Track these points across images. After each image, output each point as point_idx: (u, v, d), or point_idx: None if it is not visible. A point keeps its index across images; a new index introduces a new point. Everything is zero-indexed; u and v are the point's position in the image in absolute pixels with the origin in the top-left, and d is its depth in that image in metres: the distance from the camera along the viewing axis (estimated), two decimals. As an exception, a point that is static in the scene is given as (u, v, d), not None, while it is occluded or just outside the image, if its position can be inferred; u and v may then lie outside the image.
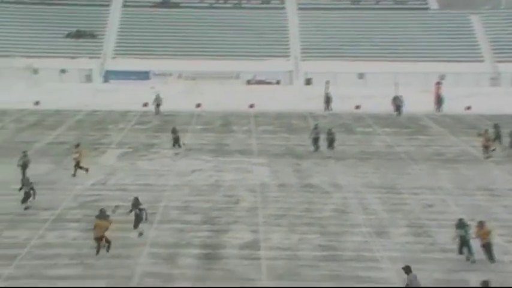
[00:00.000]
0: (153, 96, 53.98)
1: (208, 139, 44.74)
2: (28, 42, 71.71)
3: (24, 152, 34.34)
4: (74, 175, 34.49)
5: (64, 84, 63.93)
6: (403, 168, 37.52)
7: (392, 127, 49.51)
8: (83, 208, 29.75)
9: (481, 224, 24.37)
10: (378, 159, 39.68)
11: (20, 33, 72.86)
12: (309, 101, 58.50)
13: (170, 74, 69.92)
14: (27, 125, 48.48)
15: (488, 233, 24.15)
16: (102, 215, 24.87)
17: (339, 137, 41.84)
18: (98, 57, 71.99)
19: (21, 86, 61.70)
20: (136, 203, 26.76)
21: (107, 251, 24.47)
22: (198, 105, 56.29)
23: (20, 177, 31.74)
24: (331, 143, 40.58)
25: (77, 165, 34.77)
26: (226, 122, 50.95)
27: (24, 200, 29.46)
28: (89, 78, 68.80)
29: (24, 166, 33.68)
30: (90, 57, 71.46)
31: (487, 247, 24.01)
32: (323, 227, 27.90)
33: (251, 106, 56.61)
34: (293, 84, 69.63)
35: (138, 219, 26.44)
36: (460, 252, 24.37)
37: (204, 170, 36.74)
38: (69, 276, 22.85)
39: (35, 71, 67.05)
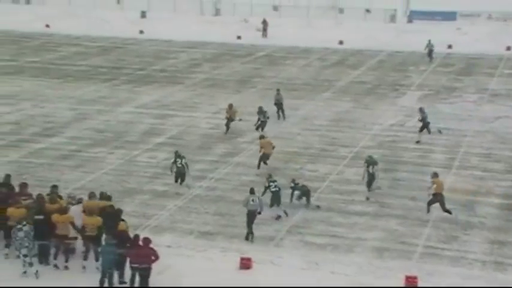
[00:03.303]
0: (425, 42, 50.43)
1: (516, 84, 41.87)
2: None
3: (277, 89, 34.17)
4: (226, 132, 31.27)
5: (368, 24, 64.31)
6: None
7: None
8: (380, 148, 29.84)
9: None
10: None
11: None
12: None
13: (478, 15, 66.26)
14: (331, 63, 49.72)
15: None
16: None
17: None
18: (404, -3, 70.85)
19: (326, 24, 63.40)
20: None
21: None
22: (508, 49, 52.65)
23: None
24: None
25: (228, 124, 31.48)
26: (537, 67, 47.11)
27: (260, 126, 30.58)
28: (393, 18, 68.15)
29: (278, 104, 33.51)
30: (396, -3, 70.59)
31: None
32: None
33: None
34: None
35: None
36: None
37: (510, 116, 34.51)
38: (366, 213, 23.18)
39: (341, 10, 68.38)
